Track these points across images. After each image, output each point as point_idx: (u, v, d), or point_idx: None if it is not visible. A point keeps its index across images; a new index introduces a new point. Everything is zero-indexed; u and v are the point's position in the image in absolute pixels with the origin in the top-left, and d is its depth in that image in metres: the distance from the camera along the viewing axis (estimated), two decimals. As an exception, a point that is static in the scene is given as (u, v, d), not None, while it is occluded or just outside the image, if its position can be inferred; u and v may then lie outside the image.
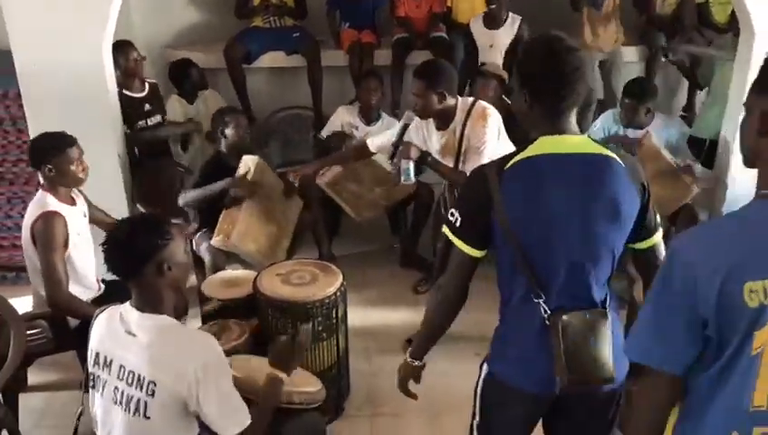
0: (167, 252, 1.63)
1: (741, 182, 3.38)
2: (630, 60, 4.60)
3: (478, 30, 4.38)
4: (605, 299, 1.59)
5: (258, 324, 2.61)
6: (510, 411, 1.68)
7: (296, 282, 2.70)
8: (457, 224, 1.57)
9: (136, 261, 1.62)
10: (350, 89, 4.31)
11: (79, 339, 2.61)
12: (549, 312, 1.53)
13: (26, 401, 2.76)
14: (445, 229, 1.61)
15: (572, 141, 1.53)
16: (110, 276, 2.67)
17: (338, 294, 2.68)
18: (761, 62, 1.22)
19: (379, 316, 3.64)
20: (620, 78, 4.40)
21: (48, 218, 2.47)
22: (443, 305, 1.68)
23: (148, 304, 1.64)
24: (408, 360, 1.81)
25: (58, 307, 2.48)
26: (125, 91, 3.77)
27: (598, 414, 1.67)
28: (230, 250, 3.21)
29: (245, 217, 3.23)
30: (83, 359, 2.70)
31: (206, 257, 3.25)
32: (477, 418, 1.76)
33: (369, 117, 3.95)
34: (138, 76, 3.89)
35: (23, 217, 3.76)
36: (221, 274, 3.03)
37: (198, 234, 3.36)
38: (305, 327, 2.01)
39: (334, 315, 2.68)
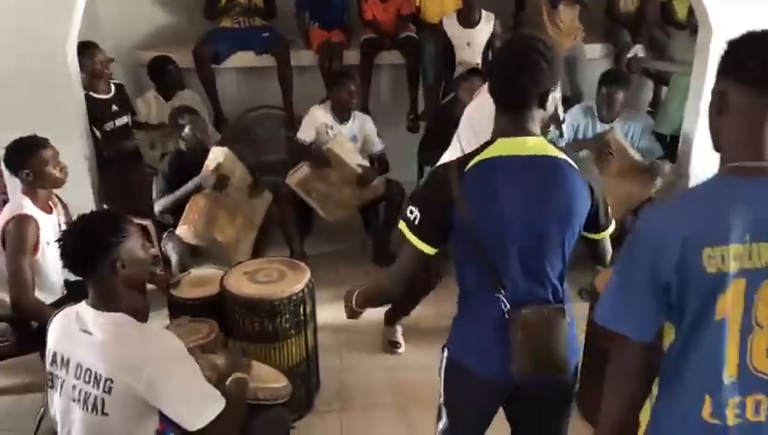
0: (121, 249, 1.63)
1: (702, 176, 3.45)
2: (594, 57, 4.67)
3: (453, 29, 4.40)
4: (560, 294, 1.66)
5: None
6: (470, 395, 1.75)
7: (263, 280, 2.72)
8: (416, 222, 1.60)
9: (89, 258, 1.62)
10: (320, 88, 4.32)
11: (41, 340, 2.60)
12: (508, 306, 1.58)
13: (-8, 405, 2.74)
14: (401, 225, 1.64)
15: (528, 144, 1.59)
16: (73, 277, 2.69)
17: (305, 290, 2.69)
18: (718, 58, 1.28)
19: (351, 313, 3.66)
20: (585, 74, 4.48)
21: (20, 221, 2.46)
22: (391, 294, 1.82)
23: (104, 302, 1.64)
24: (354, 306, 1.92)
25: (22, 310, 2.46)
26: (91, 93, 3.75)
27: (554, 399, 1.76)
28: (195, 241, 3.20)
29: (211, 207, 3.23)
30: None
31: (173, 257, 3.24)
32: (442, 397, 1.83)
33: (342, 116, 3.97)
34: (104, 78, 3.87)
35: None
36: (188, 273, 3.02)
37: (166, 233, 3.36)
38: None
39: (302, 312, 2.70)
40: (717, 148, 1.30)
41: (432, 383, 2.70)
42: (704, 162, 3.27)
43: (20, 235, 2.44)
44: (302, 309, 2.70)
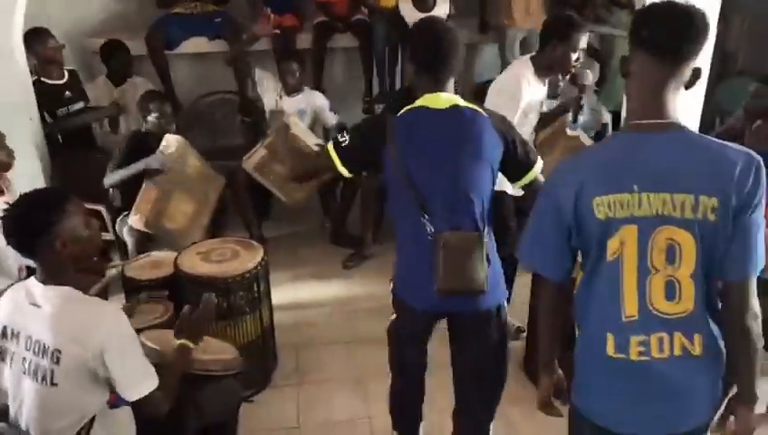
0: (60, 228, 1.63)
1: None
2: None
3: (409, 13, 4.43)
4: (481, 229, 1.87)
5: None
6: (407, 322, 2.04)
7: (216, 259, 2.76)
8: (342, 145, 1.95)
9: (28, 236, 1.63)
10: (275, 72, 4.35)
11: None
12: (433, 229, 1.83)
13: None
14: (329, 146, 1.98)
15: (446, 98, 1.90)
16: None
17: (258, 268, 2.74)
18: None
19: (309, 292, 3.74)
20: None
21: None
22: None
23: (50, 278, 1.67)
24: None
25: None
26: (43, 79, 3.73)
27: (480, 332, 1.96)
28: (148, 229, 3.23)
29: (162, 196, 3.25)
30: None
31: (129, 241, 3.26)
32: (391, 322, 2.12)
33: (289, 90, 4.06)
34: (56, 64, 3.84)
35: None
36: (145, 256, 3.05)
37: (120, 217, 3.37)
38: (206, 296, 2.05)
39: (256, 289, 2.75)
40: (626, 109, 1.42)
41: (387, 357, 2.80)
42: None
43: None
44: (255, 286, 2.75)
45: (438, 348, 2.15)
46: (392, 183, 1.91)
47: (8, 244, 1.66)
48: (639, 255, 1.34)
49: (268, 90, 4.11)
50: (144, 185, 3.26)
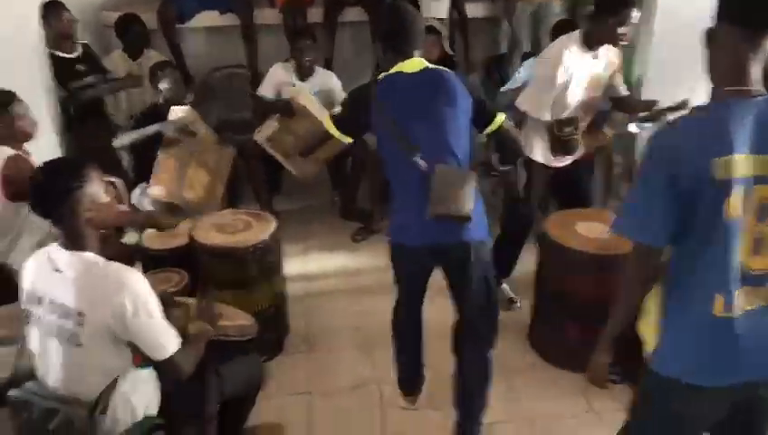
0: (81, 193, 1.69)
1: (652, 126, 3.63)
2: (555, 12, 4.77)
3: None
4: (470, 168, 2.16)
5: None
6: (406, 264, 2.30)
7: (230, 230, 2.84)
8: (337, 117, 2.31)
9: (50, 202, 1.70)
10: (286, 46, 4.37)
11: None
12: (425, 163, 2.06)
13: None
14: (327, 122, 2.30)
15: (418, 63, 2.18)
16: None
17: (271, 239, 2.82)
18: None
19: (319, 264, 3.82)
20: (548, 30, 4.57)
21: (19, 159, 2.49)
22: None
23: (72, 243, 1.74)
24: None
25: None
26: (57, 53, 3.77)
27: (467, 263, 2.17)
28: (171, 199, 3.30)
29: (179, 166, 3.33)
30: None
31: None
32: (393, 274, 2.38)
33: (303, 73, 4.05)
34: (70, 37, 3.89)
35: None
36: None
37: (138, 190, 3.44)
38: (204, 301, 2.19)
39: (268, 260, 2.84)
40: (711, 79, 1.50)
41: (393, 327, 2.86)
42: (654, 113, 3.43)
43: (24, 171, 2.39)
44: (268, 257, 2.83)
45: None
46: (382, 138, 2.18)
47: (33, 210, 1.73)
48: (747, 212, 1.42)
49: (276, 83, 4.07)
50: (159, 156, 3.34)
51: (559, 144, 2.92)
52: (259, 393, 2.31)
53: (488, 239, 2.24)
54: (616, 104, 3.22)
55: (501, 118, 2.26)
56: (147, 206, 3.38)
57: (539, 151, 2.97)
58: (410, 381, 2.60)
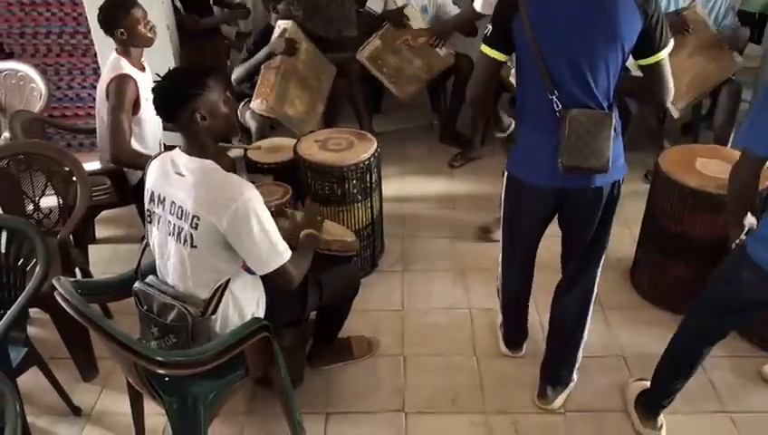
0: (200, 101, 1.73)
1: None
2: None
3: None
4: (609, 108, 1.86)
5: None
6: (522, 201, 2.08)
7: (333, 148, 2.87)
8: (488, 34, 1.92)
9: (171, 106, 1.75)
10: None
11: (136, 195, 2.89)
12: (560, 106, 1.82)
13: (96, 252, 3.10)
14: (482, 47, 1.93)
15: None
16: (170, 142, 2.90)
17: (372, 159, 2.83)
18: None
19: (415, 188, 3.82)
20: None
21: (121, 80, 2.66)
22: (473, 104, 2.06)
23: (192, 149, 1.81)
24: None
25: (120, 160, 2.70)
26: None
27: (593, 208, 1.99)
28: (269, 114, 3.36)
29: (282, 81, 3.36)
30: (142, 215, 3.00)
31: (252, 125, 3.43)
32: (501, 211, 2.20)
33: None
34: None
35: (82, 87, 4.04)
36: (265, 141, 3.23)
37: (242, 104, 3.53)
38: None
39: (368, 179, 2.86)
40: None
41: (489, 254, 2.88)
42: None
43: (121, 92, 2.64)
44: (368, 176, 2.85)
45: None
46: (521, 58, 1.89)
47: (157, 114, 1.81)
48: None
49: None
50: (262, 71, 3.38)
51: None
52: (353, 308, 2.39)
53: (622, 179, 1.99)
54: None
55: (666, 52, 1.82)
56: (248, 120, 3.47)
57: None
58: (515, 338, 2.55)
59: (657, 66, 1.83)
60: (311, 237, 2.09)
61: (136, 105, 2.72)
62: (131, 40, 2.71)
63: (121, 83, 2.65)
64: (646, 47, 1.81)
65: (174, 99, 1.74)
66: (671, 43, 1.82)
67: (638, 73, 1.92)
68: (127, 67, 2.70)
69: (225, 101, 1.81)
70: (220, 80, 1.81)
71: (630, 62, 1.87)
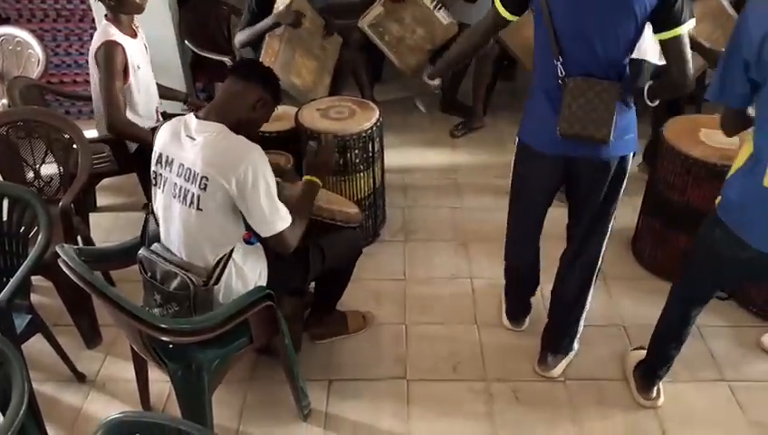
0: (266, 96, 1.90)
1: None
2: None
3: None
4: (619, 79, 1.83)
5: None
6: (530, 169, 2.09)
7: (335, 116, 2.85)
8: None
9: (249, 73, 1.90)
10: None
11: (137, 162, 2.87)
12: (564, 73, 1.82)
13: (96, 220, 3.09)
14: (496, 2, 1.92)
15: None
16: (170, 110, 2.88)
17: (374, 128, 2.81)
18: None
19: (417, 157, 3.81)
20: None
21: (109, 47, 2.61)
22: (466, 37, 2.11)
23: (219, 113, 1.83)
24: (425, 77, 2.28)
25: (115, 130, 2.68)
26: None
27: (599, 180, 1.98)
28: None
29: (286, 48, 3.31)
30: (143, 182, 2.99)
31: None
32: (512, 175, 2.17)
33: None
34: None
35: (80, 54, 3.99)
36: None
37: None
38: (312, 145, 2.28)
39: (370, 149, 2.84)
40: None
41: (490, 226, 2.88)
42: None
43: (109, 59, 2.60)
44: (370, 146, 2.83)
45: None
46: (536, 22, 1.87)
47: (234, 71, 1.91)
48: None
49: None
50: (266, 40, 3.33)
51: None
52: (355, 277, 2.39)
53: (631, 154, 1.97)
54: None
55: (686, 27, 1.74)
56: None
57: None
58: (515, 311, 2.56)
59: (674, 42, 1.75)
60: (312, 185, 2.09)
61: (125, 73, 2.68)
62: (120, 6, 2.65)
63: (109, 51, 2.60)
64: (664, 19, 1.73)
65: (255, 73, 1.92)
66: (692, 21, 1.74)
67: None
68: (116, 35, 2.64)
69: (270, 114, 1.99)
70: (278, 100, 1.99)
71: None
